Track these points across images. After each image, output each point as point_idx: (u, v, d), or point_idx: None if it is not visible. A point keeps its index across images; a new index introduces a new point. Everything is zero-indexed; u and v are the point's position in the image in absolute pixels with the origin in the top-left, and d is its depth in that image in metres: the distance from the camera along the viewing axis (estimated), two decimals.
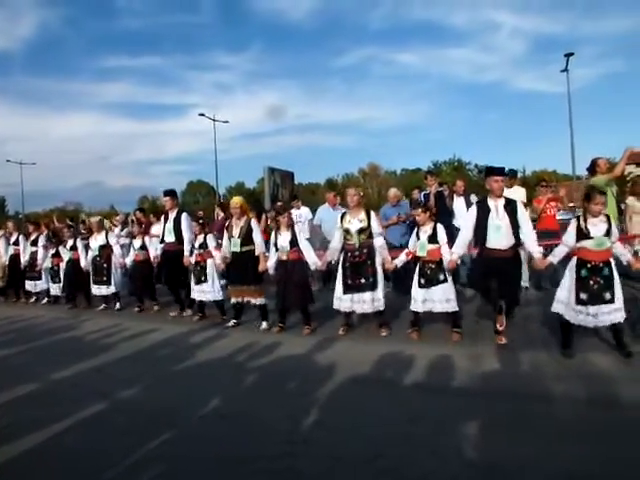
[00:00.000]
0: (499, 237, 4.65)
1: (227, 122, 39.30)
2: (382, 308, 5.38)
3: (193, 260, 6.79)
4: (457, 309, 5.07)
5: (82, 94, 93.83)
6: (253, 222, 6.20)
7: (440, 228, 5.15)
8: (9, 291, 9.98)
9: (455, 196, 8.00)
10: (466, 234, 4.94)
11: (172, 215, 7.19)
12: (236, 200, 6.33)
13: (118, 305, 8.13)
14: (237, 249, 6.05)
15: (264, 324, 6.04)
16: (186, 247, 6.92)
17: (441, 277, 5.01)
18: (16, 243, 9.73)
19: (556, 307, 4.43)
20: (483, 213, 4.75)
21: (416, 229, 5.29)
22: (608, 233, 4.20)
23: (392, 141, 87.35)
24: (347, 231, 5.47)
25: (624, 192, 8.16)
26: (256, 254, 6.04)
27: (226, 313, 6.59)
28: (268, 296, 6.14)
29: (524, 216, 4.79)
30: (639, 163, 32.07)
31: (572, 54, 24.33)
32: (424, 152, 68.27)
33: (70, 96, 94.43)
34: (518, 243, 4.71)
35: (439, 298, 5.01)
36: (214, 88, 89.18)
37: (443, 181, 9.61)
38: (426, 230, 5.15)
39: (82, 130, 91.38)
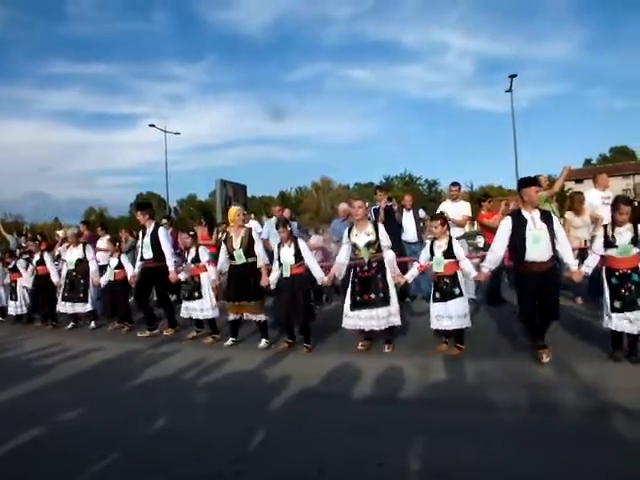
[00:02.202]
0: (539, 249, 4.44)
1: (178, 134, 38.66)
2: (398, 324, 5.20)
3: (182, 276, 6.48)
4: (470, 325, 4.99)
5: (24, 100, 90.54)
6: (254, 233, 5.90)
7: (456, 242, 5.04)
8: None
9: (404, 210, 8.17)
10: (498, 248, 4.70)
11: (149, 230, 6.73)
12: (236, 210, 6.06)
13: (93, 324, 7.65)
14: (242, 261, 5.72)
15: (263, 342, 5.74)
16: (169, 262, 6.51)
17: (456, 291, 4.92)
18: None
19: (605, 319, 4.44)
20: (519, 224, 4.52)
21: (429, 243, 5.16)
22: (633, 241, 4.29)
23: (345, 155, 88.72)
24: (355, 245, 5.27)
25: (563, 207, 8.57)
26: (258, 266, 5.71)
27: (219, 331, 6.29)
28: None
29: (560, 226, 4.62)
30: (577, 180, 33.85)
31: (515, 75, 25.44)
32: (376, 167, 70.46)
33: (11, 102, 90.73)
34: (555, 255, 4.53)
35: (455, 314, 4.88)
36: (165, 99, 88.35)
37: (393, 195, 9.80)
38: (441, 245, 5.00)
39: (23, 138, 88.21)
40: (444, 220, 5.13)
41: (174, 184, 77.86)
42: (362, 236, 5.24)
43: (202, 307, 6.26)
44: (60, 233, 11.55)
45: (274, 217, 8.68)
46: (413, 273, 5.28)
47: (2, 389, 4.57)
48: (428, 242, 5.23)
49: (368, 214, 5.54)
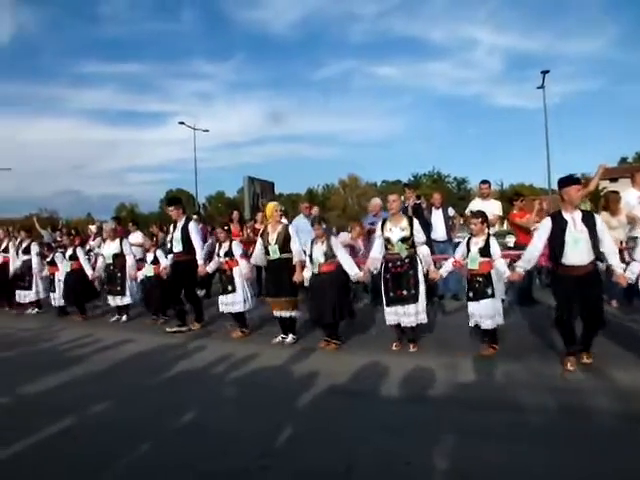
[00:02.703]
0: (578, 252, 4.27)
1: (207, 131, 39.05)
2: (424, 321, 5.15)
3: (210, 269, 6.58)
4: (502, 323, 4.92)
5: (59, 99, 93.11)
6: (290, 228, 5.89)
7: (494, 241, 4.95)
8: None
9: (433, 209, 8.10)
10: (536, 248, 4.58)
11: (179, 224, 6.84)
12: (273, 205, 6.07)
13: (125, 317, 7.78)
14: (276, 256, 5.74)
15: (290, 337, 5.74)
16: (199, 255, 6.61)
17: (489, 291, 4.84)
18: (5, 250, 9.37)
19: None
20: (559, 226, 4.37)
21: (466, 239, 5.11)
22: None
23: (372, 153, 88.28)
24: (388, 240, 5.18)
25: (598, 207, 8.35)
26: (293, 262, 5.70)
27: (247, 326, 6.36)
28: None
29: (604, 227, 4.40)
30: (612, 179, 32.91)
31: (548, 71, 24.87)
32: (404, 164, 69.71)
33: (46, 101, 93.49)
34: (597, 258, 4.35)
35: (487, 313, 4.81)
36: (195, 97, 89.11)
37: (421, 193, 9.72)
38: (477, 242, 4.93)
39: (59, 136, 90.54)
40: (485, 218, 5.03)
41: (203, 181, 79.29)
42: (396, 231, 5.16)
43: (234, 301, 6.27)
44: (92, 228, 11.83)
45: (301, 214, 8.71)
46: (447, 268, 5.19)
47: (36, 380, 4.68)
48: (465, 238, 5.17)
49: (402, 207, 5.47)
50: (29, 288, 8.89)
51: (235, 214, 9.69)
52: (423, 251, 5.21)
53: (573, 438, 3.02)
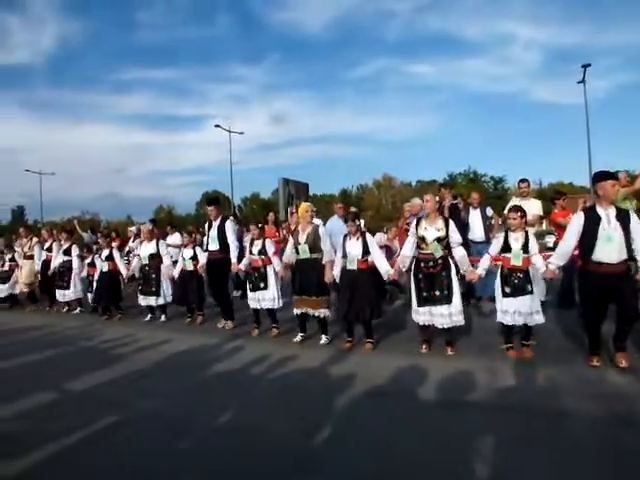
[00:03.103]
0: (610, 249, 4.17)
1: (242, 133, 39.75)
2: (461, 323, 5.06)
3: (243, 266, 6.68)
4: (543, 321, 4.85)
5: (100, 106, 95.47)
6: (321, 229, 5.96)
7: (532, 236, 4.89)
8: (43, 297, 9.97)
9: (470, 209, 7.96)
10: (569, 244, 4.51)
11: (216, 223, 7.04)
12: (305, 206, 6.15)
13: (164, 317, 7.95)
14: (306, 256, 5.82)
15: (323, 338, 5.82)
16: (233, 253, 6.79)
17: (529, 287, 4.76)
18: (49, 250, 9.73)
19: None
20: (592, 222, 4.28)
21: (504, 234, 5.00)
22: None
23: (407, 152, 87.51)
24: (422, 239, 5.13)
25: None
26: (323, 262, 5.77)
27: (278, 322, 6.50)
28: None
29: (638, 226, 4.26)
30: None
31: (589, 65, 24.10)
32: (439, 163, 68.71)
33: (88, 107, 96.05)
34: (629, 257, 4.21)
35: (525, 310, 4.74)
36: (230, 100, 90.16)
37: (457, 193, 9.57)
38: (518, 237, 4.85)
39: (99, 141, 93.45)
40: (523, 213, 4.93)
41: (238, 183, 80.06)
42: (431, 230, 5.10)
43: (266, 297, 6.37)
44: (133, 229, 12.13)
45: (336, 215, 8.70)
46: (485, 266, 5.10)
47: (81, 376, 4.84)
48: (501, 234, 5.05)
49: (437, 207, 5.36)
50: (68, 288, 9.22)
51: (270, 215, 9.78)
52: (459, 252, 5.14)
53: (621, 450, 2.90)
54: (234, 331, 6.77)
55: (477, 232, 7.78)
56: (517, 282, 4.79)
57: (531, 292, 4.76)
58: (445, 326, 5.04)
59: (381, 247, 6.46)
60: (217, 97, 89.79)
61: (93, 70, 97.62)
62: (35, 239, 10.28)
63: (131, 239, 11.47)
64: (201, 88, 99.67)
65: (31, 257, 9.88)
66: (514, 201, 7.84)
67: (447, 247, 5.11)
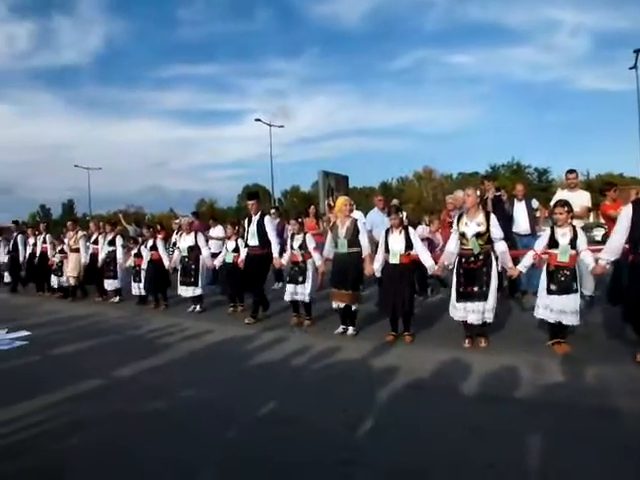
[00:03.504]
0: None
1: (282, 127, 40.04)
2: (490, 321, 5.03)
3: (285, 261, 6.77)
4: (578, 322, 4.70)
5: (143, 102, 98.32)
6: (360, 223, 5.98)
7: (581, 232, 4.76)
8: (90, 288, 10.28)
9: (515, 201, 7.76)
10: (619, 238, 4.41)
11: (255, 218, 7.07)
12: (343, 200, 6.14)
13: (199, 307, 8.08)
14: (344, 250, 5.83)
15: (351, 329, 5.86)
16: (275, 248, 6.86)
17: (574, 286, 4.63)
18: (95, 242, 10.06)
19: None
20: None
21: (549, 231, 4.89)
22: None
23: (448, 144, 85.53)
24: (463, 235, 5.08)
25: None
26: (362, 256, 5.81)
27: (311, 315, 6.58)
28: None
29: None
30: None
31: None
32: (481, 155, 67.21)
33: (133, 104, 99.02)
34: None
35: (570, 309, 4.61)
36: (270, 94, 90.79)
37: (500, 185, 9.34)
38: (565, 233, 4.71)
39: (143, 136, 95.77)
40: (570, 207, 4.78)
41: (278, 176, 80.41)
42: (472, 225, 5.02)
43: (303, 291, 6.42)
44: (178, 222, 12.40)
45: (375, 208, 8.66)
46: (527, 263, 5.00)
47: (127, 364, 4.99)
48: (547, 229, 4.93)
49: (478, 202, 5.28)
50: (115, 277, 9.53)
51: (312, 208, 9.81)
52: (500, 247, 5.03)
53: None
54: (277, 323, 6.81)
55: (522, 225, 7.58)
56: (563, 280, 4.65)
57: (576, 291, 4.62)
58: (476, 322, 4.99)
59: (423, 240, 6.39)
60: (257, 91, 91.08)
61: (136, 68, 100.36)
62: (81, 232, 10.58)
63: (175, 231, 11.72)
64: (241, 83, 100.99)
65: (77, 250, 10.17)
66: (561, 193, 7.60)
67: (488, 242, 5.01)
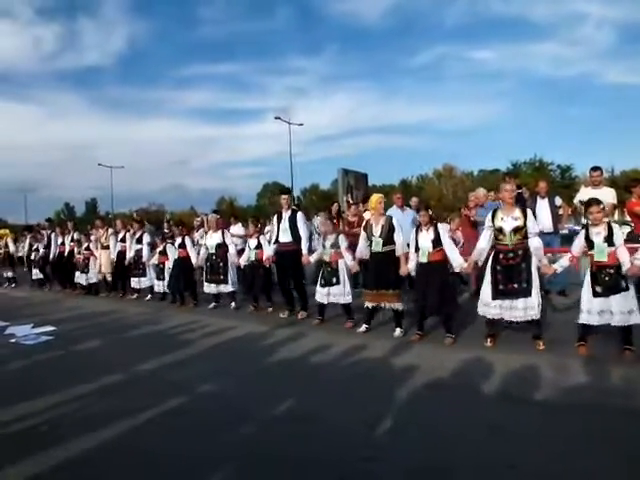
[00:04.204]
0: None
1: (302, 125, 40.09)
2: (537, 317, 4.81)
3: (313, 259, 6.70)
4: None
5: (164, 101, 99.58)
6: (394, 221, 5.82)
7: (616, 228, 4.63)
8: (117, 286, 10.34)
9: (538, 198, 7.64)
10: None
11: (286, 214, 7.05)
12: (377, 197, 6.00)
13: (234, 304, 8.04)
14: (379, 249, 5.70)
15: (398, 331, 5.67)
16: (304, 246, 6.83)
17: (623, 284, 4.42)
18: (123, 240, 10.10)
19: None
20: None
21: (583, 231, 4.75)
22: None
23: (468, 141, 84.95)
24: (500, 230, 4.93)
25: None
26: (397, 255, 5.66)
27: (354, 316, 6.31)
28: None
29: None
30: None
31: None
32: (502, 152, 66.08)
33: (154, 103, 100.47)
34: None
35: (620, 309, 4.39)
36: (290, 92, 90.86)
37: (522, 183, 9.21)
38: (599, 231, 4.56)
39: (164, 135, 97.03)
40: (603, 207, 4.68)
41: (297, 174, 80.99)
42: (509, 221, 4.89)
43: (340, 293, 6.27)
44: (199, 220, 12.50)
45: (394, 206, 8.61)
46: (564, 264, 4.86)
47: (148, 359, 5.06)
48: (581, 230, 4.80)
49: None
50: (144, 275, 9.57)
51: (335, 206, 9.80)
52: (535, 243, 4.89)
53: None
54: (301, 320, 6.81)
55: (545, 222, 7.45)
56: (608, 280, 4.45)
57: (626, 289, 4.42)
58: (518, 319, 4.84)
59: None
60: (277, 89, 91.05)
61: (158, 67, 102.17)
62: (111, 230, 10.69)
63: (195, 229, 11.81)
64: (261, 81, 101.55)
65: (108, 247, 10.28)
66: (584, 190, 7.48)
67: (526, 237, 4.87)
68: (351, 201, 11.55)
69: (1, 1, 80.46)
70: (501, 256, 4.92)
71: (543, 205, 7.56)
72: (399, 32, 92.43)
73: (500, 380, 4.03)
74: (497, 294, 4.89)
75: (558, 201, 7.78)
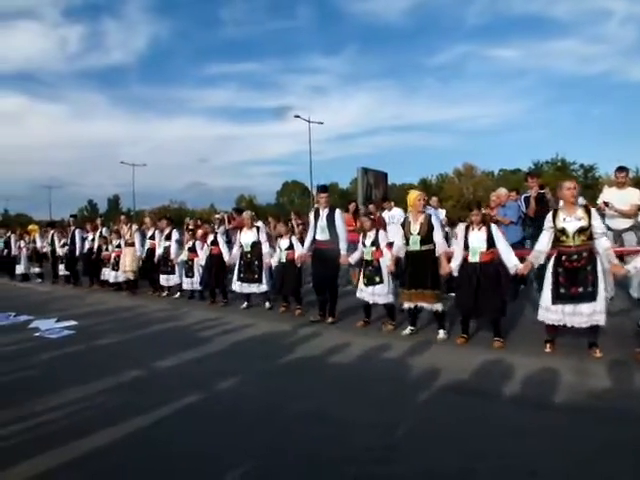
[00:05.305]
0: None
1: (322, 123, 40.14)
2: (602, 323, 4.54)
3: (352, 259, 6.51)
4: None
5: (186, 100, 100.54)
6: (434, 219, 5.68)
7: None
8: (144, 282, 10.31)
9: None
10: None
11: (324, 212, 6.75)
12: (416, 194, 5.77)
13: (268, 304, 7.85)
14: (417, 247, 5.53)
15: (441, 333, 5.49)
16: (342, 245, 6.54)
17: None
18: (152, 237, 10.04)
19: None
20: None
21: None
22: None
23: (489, 140, 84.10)
24: (562, 231, 4.68)
25: None
26: (437, 254, 5.50)
27: (395, 318, 6.12)
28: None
29: None
30: None
31: None
32: (524, 151, 65.38)
33: (176, 102, 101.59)
34: None
35: None
36: (310, 90, 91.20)
37: (545, 183, 9.07)
38: None
39: (187, 133, 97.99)
40: None
41: (316, 172, 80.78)
42: (572, 221, 4.64)
43: (381, 292, 6.05)
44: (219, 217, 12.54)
45: None
46: (637, 264, 4.58)
47: (167, 356, 5.11)
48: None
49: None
50: (173, 272, 9.50)
51: (352, 205, 9.75)
52: (603, 244, 4.60)
53: None
54: (323, 321, 6.64)
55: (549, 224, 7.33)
56: None
57: None
58: (583, 325, 4.58)
59: None
60: (297, 88, 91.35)
61: (179, 66, 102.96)
62: (135, 226, 10.66)
63: (215, 227, 11.89)
64: (282, 80, 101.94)
65: (133, 244, 10.25)
66: (608, 190, 7.34)
67: (590, 238, 4.62)
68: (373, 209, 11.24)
69: (28, 4, 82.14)
70: (564, 258, 4.66)
71: None
72: (419, 31, 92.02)
73: (521, 383, 3.98)
74: (558, 298, 4.65)
75: (582, 201, 7.59)
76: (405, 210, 9.08)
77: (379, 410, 3.57)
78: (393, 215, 9.11)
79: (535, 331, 5.11)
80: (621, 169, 7.28)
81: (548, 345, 4.84)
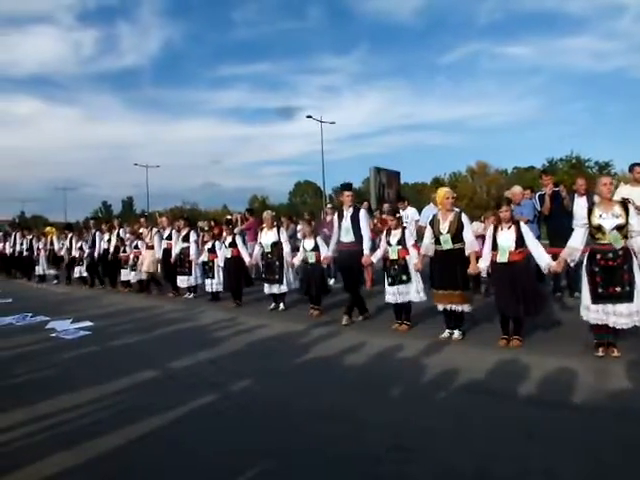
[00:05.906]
0: None
1: (333, 123, 40.03)
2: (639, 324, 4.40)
3: (375, 259, 6.40)
4: None
5: (199, 101, 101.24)
6: (464, 217, 5.52)
7: None
8: (165, 284, 10.27)
9: (576, 196, 7.44)
10: None
11: (348, 212, 6.63)
12: (445, 192, 5.63)
13: (282, 305, 7.80)
14: (448, 246, 5.39)
15: (457, 333, 5.42)
16: (366, 245, 6.42)
17: None
18: (169, 238, 9.99)
19: None
20: None
21: None
22: None
23: (502, 138, 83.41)
24: (598, 228, 4.53)
25: None
26: (467, 253, 5.35)
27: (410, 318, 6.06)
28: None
29: None
30: None
31: None
32: (538, 149, 64.61)
33: (189, 104, 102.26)
34: None
35: None
36: (321, 90, 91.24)
37: (559, 180, 8.99)
38: None
39: (199, 134, 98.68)
40: None
41: (329, 172, 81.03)
42: (609, 218, 4.49)
43: (409, 291, 5.94)
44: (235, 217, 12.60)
45: (431, 204, 8.53)
46: None
47: (182, 356, 5.15)
48: None
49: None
50: (189, 273, 9.50)
51: (365, 205, 9.76)
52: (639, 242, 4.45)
53: None
54: (338, 320, 6.57)
55: (583, 221, 7.24)
56: None
57: None
58: (624, 327, 4.42)
59: (477, 237, 6.15)
60: (309, 88, 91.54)
61: (192, 68, 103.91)
62: (155, 229, 10.57)
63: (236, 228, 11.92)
64: (293, 80, 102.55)
65: (152, 247, 10.21)
66: (624, 187, 7.22)
67: (626, 236, 4.47)
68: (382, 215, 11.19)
69: (44, 9, 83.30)
70: (599, 257, 4.52)
71: (582, 203, 7.32)
72: (430, 29, 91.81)
73: (536, 383, 3.95)
74: (597, 298, 4.51)
75: (597, 199, 7.54)
76: (419, 210, 9.10)
77: (395, 409, 3.57)
78: (407, 214, 9.09)
79: (551, 330, 5.06)
80: (637, 164, 7.16)
81: (600, 349, 4.56)
